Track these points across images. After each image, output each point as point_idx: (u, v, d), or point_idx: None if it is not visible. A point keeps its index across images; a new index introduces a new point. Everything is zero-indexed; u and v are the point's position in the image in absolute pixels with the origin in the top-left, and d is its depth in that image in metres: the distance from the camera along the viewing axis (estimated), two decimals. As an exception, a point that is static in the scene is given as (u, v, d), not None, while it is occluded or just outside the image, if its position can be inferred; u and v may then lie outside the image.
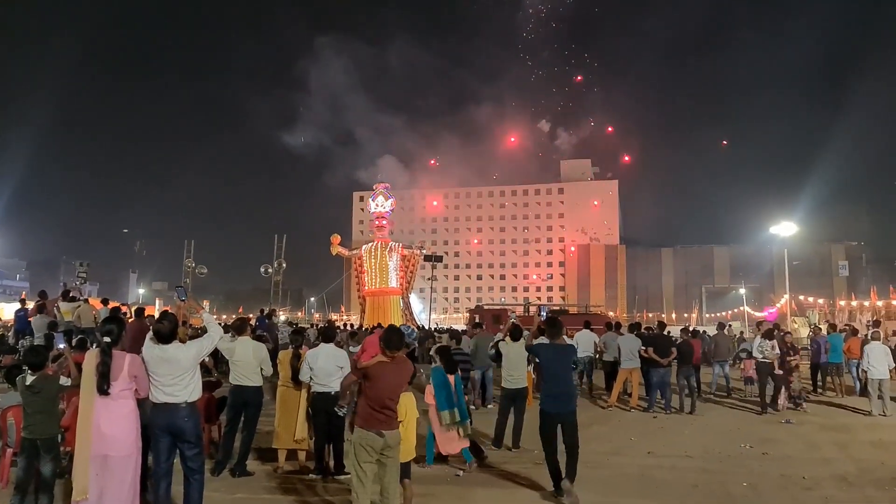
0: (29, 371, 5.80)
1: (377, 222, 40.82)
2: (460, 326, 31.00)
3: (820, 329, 16.62)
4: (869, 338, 13.42)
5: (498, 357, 9.51)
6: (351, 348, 12.42)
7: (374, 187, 42.29)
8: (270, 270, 40.24)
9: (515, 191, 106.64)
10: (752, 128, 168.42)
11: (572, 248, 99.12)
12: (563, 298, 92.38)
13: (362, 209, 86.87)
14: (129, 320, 12.05)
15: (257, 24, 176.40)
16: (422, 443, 7.25)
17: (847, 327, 18.37)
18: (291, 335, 8.88)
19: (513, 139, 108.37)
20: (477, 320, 23.34)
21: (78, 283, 24.04)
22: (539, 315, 11.23)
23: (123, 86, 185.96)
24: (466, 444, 7.55)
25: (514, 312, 31.36)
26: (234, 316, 36.97)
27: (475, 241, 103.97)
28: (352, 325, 27.58)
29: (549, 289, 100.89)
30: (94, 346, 5.24)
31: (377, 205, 40.81)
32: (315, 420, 7.30)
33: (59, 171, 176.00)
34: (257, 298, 61.01)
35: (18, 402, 6.04)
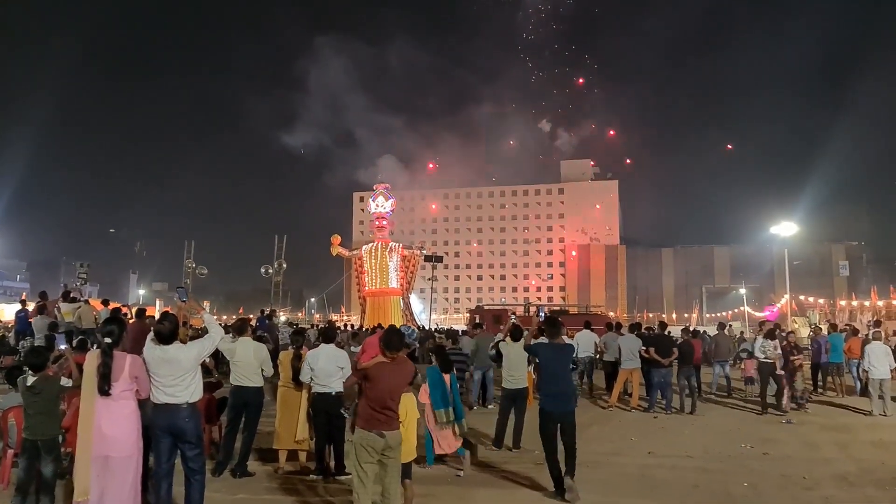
0: (30, 372, 5.81)
1: (377, 223, 40.82)
2: (460, 327, 30.99)
3: (820, 329, 16.60)
4: (870, 338, 13.42)
5: (498, 357, 9.52)
6: (352, 348, 12.44)
7: (374, 188, 42.29)
8: (271, 271, 40.27)
9: (516, 191, 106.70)
10: (752, 128, 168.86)
11: (573, 253, 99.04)
12: (563, 299, 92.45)
13: (362, 209, 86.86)
14: (130, 321, 12.06)
15: (257, 24, 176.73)
16: (422, 443, 7.25)
17: (847, 327, 18.38)
18: (292, 336, 8.89)
19: (511, 142, 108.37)
20: (477, 321, 23.37)
21: (78, 283, 24.10)
22: (538, 316, 11.19)
23: (123, 86, 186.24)
24: (460, 443, 7.57)
25: (514, 313, 31.36)
26: (234, 317, 36.98)
27: (475, 243, 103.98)
28: (352, 326, 27.58)
29: (550, 289, 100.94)
30: (94, 347, 5.24)
31: (377, 205, 40.81)
32: (316, 420, 7.30)
33: (59, 171, 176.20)
34: (257, 299, 61.04)
35: (19, 403, 6.05)
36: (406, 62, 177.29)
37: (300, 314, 70.74)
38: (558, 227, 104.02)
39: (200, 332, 7.96)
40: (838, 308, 45.97)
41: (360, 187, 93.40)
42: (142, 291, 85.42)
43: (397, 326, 12.32)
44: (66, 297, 15.64)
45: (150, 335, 5.28)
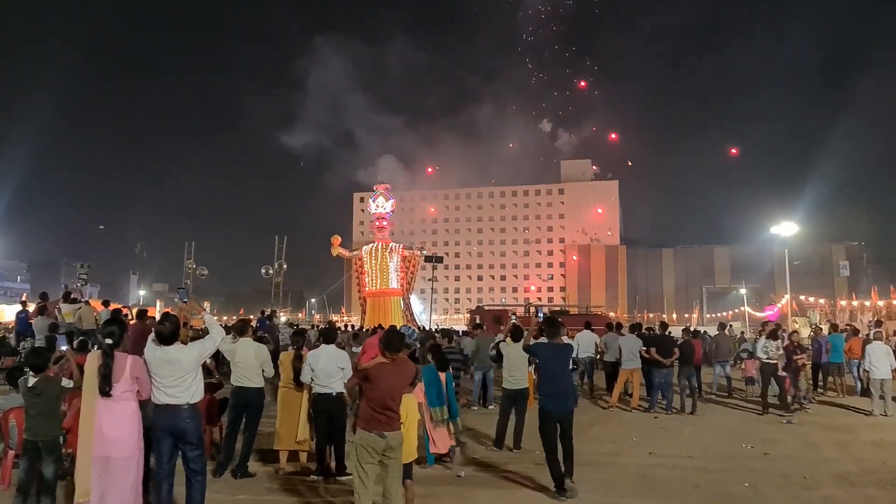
0: (31, 373, 5.81)
1: (377, 223, 40.78)
2: (461, 327, 31.00)
3: (821, 329, 16.59)
4: (871, 338, 13.42)
5: (499, 358, 9.53)
6: (354, 349, 12.44)
7: (374, 188, 42.28)
8: (271, 272, 40.23)
9: (516, 191, 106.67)
10: (752, 128, 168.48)
11: (574, 257, 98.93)
12: (563, 299, 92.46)
13: (363, 210, 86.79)
14: (131, 322, 12.07)
15: (257, 24, 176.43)
16: (422, 443, 7.25)
17: (848, 327, 18.38)
18: (292, 336, 8.90)
19: (510, 145, 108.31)
20: (478, 321, 23.39)
21: (79, 284, 24.08)
22: (536, 316, 11.19)
23: (123, 86, 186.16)
24: (453, 442, 7.59)
25: (514, 313, 31.38)
26: (234, 317, 37.01)
27: (475, 244, 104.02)
28: (352, 326, 27.59)
29: (550, 289, 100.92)
30: (95, 348, 5.25)
31: (377, 206, 40.78)
32: (316, 421, 7.30)
33: (58, 171, 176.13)
34: (258, 300, 61.05)
35: (20, 404, 6.05)
36: (406, 62, 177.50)
37: (300, 315, 70.80)
38: (558, 228, 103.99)
39: (201, 333, 7.95)
40: (839, 308, 45.93)
41: (360, 188, 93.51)
42: (142, 292, 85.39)
43: (398, 327, 12.34)
44: (67, 297, 15.65)
45: (151, 336, 5.28)
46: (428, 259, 40.99)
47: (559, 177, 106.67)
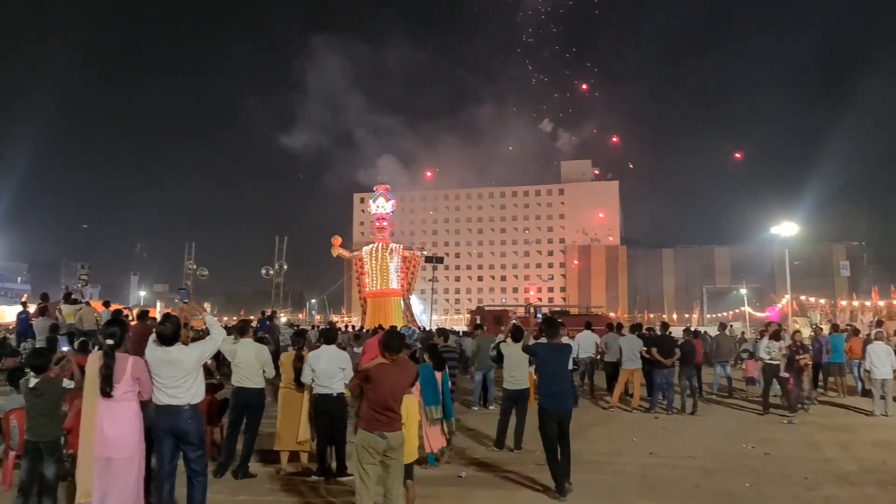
0: (32, 374, 5.82)
1: (378, 224, 40.81)
2: (461, 328, 31.00)
3: (821, 329, 16.59)
4: (872, 338, 13.42)
5: (499, 358, 9.53)
6: (355, 349, 12.44)
7: (374, 189, 42.29)
8: (271, 272, 40.28)
9: (516, 192, 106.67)
10: (752, 128, 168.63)
11: (575, 262, 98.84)
12: (563, 299, 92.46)
13: (363, 210, 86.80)
14: (132, 323, 12.07)
15: (256, 24, 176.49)
16: (422, 443, 7.26)
17: (848, 327, 18.37)
18: (293, 337, 8.90)
19: (510, 147, 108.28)
20: (478, 321, 23.40)
21: (79, 285, 24.14)
22: (535, 317, 11.20)
23: (123, 86, 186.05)
24: (444, 443, 7.60)
25: (515, 314, 31.39)
26: (235, 318, 37.01)
27: (476, 245, 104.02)
28: (353, 327, 27.60)
29: (550, 290, 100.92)
30: (96, 349, 5.25)
31: (378, 206, 40.80)
32: (317, 422, 7.31)
33: (58, 172, 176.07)
34: (258, 300, 61.03)
35: (21, 405, 6.06)
36: (406, 62, 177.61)
37: (301, 315, 70.73)
38: (559, 228, 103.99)
39: (202, 334, 7.96)
40: (839, 308, 45.90)
41: (360, 188, 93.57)
42: (143, 293, 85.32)
43: (398, 327, 12.36)
44: (68, 298, 15.68)
45: (152, 337, 5.29)
46: (428, 259, 41.03)
47: (559, 177, 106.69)
